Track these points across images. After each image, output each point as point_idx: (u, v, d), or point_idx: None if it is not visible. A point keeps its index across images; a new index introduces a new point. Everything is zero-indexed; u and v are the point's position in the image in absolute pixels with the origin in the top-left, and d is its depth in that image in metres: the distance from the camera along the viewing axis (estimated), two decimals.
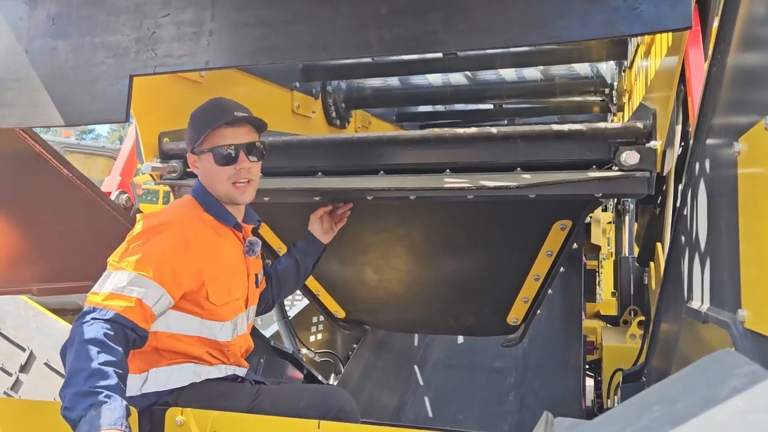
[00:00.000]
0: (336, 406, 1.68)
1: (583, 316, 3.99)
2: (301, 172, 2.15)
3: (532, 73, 3.48)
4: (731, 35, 1.19)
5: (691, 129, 1.61)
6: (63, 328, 2.96)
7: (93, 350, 1.38)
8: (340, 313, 2.75)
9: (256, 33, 1.27)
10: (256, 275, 1.92)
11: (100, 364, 1.36)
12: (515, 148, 1.96)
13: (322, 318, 3.54)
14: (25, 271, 2.06)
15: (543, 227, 2.21)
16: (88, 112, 1.39)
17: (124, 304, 1.49)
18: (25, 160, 2.01)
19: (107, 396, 1.32)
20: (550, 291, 2.38)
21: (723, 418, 0.58)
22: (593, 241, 5.00)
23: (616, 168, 1.83)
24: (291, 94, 3.09)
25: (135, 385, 1.61)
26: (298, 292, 2.73)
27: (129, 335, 1.48)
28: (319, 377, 3.20)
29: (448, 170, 2.01)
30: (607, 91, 3.41)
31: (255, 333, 2.53)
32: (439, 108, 4.47)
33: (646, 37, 2.28)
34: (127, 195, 2.44)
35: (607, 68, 3.38)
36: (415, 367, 3.81)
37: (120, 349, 1.43)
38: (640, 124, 1.84)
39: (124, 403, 1.34)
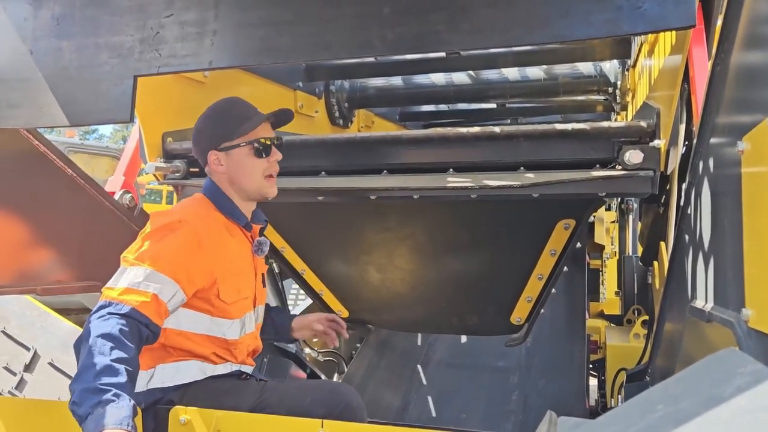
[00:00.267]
0: (343, 402, 1.68)
1: (587, 316, 3.98)
2: (305, 171, 2.16)
3: (535, 72, 3.48)
4: (735, 34, 1.19)
5: (695, 128, 1.61)
6: (67, 327, 2.97)
7: (106, 346, 1.39)
8: (344, 313, 2.75)
9: (259, 33, 1.27)
10: (263, 275, 1.93)
11: (112, 360, 1.37)
12: (518, 148, 1.95)
13: None
14: (29, 271, 2.06)
15: (546, 226, 2.21)
16: (92, 112, 1.39)
17: (140, 299, 1.50)
18: (29, 160, 2.01)
19: (115, 395, 1.32)
20: (553, 290, 2.38)
21: (727, 418, 0.58)
22: (597, 240, 4.98)
23: (620, 167, 1.83)
24: (294, 94, 3.09)
25: (141, 381, 1.62)
26: (300, 291, 2.74)
27: (143, 332, 1.49)
28: (323, 377, 3.21)
29: (451, 170, 2.01)
30: (610, 90, 3.40)
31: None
32: (442, 107, 4.47)
33: (649, 36, 2.28)
34: (130, 195, 2.44)
35: (610, 67, 3.38)
36: (419, 366, 3.81)
37: (133, 346, 1.44)
38: (643, 123, 1.84)
39: (132, 402, 1.34)
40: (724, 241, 1.18)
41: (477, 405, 3.49)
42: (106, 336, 1.40)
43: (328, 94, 3.40)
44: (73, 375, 1.39)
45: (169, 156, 2.25)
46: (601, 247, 5.28)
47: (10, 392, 2.85)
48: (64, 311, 3.16)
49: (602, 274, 5.55)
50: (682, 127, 2.06)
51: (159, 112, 2.26)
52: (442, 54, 3.04)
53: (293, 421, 1.51)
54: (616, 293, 4.97)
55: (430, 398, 3.54)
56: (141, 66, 1.34)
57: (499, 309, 2.49)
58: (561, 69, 3.44)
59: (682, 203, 1.77)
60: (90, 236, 2.25)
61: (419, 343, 3.95)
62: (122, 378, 1.36)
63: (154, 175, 2.27)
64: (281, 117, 1.83)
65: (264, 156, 1.76)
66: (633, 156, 1.80)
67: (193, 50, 1.30)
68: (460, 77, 3.60)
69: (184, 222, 1.64)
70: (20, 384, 2.88)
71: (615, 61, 3.33)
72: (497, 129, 1.96)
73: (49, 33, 1.41)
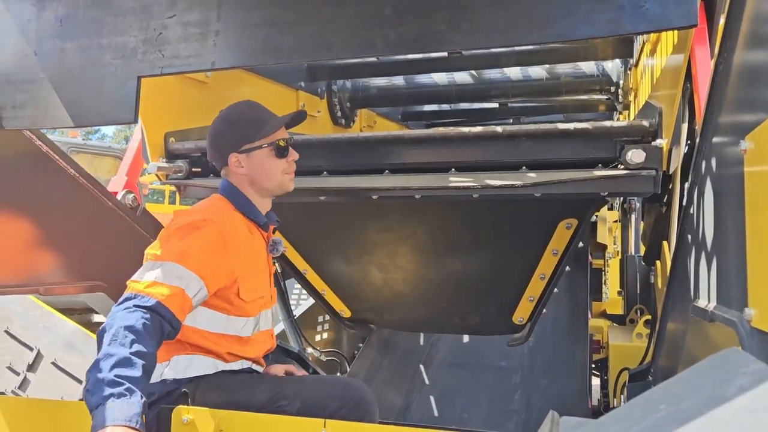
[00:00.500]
0: (356, 396, 1.70)
1: (589, 315, 3.97)
2: (307, 171, 2.16)
3: (538, 71, 3.48)
4: (738, 33, 1.19)
5: (698, 127, 1.60)
6: (70, 327, 2.98)
7: (128, 338, 1.40)
8: (346, 313, 2.75)
9: (261, 33, 1.27)
10: (274, 274, 1.97)
11: (131, 353, 1.38)
12: (520, 147, 1.95)
13: (327, 317, 3.55)
14: (32, 271, 2.07)
15: (548, 226, 2.21)
16: (96, 113, 1.40)
17: (166, 293, 1.51)
18: (32, 161, 2.02)
19: (128, 389, 1.33)
20: (555, 290, 2.38)
21: (729, 417, 0.58)
22: (599, 239, 4.97)
23: (622, 166, 1.83)
24: (296, 94, 3.09)
25: (156, 373, 1.64)
26: (303, 291, 2.74)
27: (165, 328, 1.51)
28: None
29: (453, 169, 2.01)
30: (612, 89, 3.40)
31: None
32: (444, 107, 4.47)
33: (651, 35, 2.28)
34: (133, 195, 2.45)
35: (612, 66, 3.37)
36: (421, 366, 3.81)
37: (154, 342, 1.45)
38: (646, 123, 1.83)
39: (143, 399, 1.35)
40: (726, 241, 1.18)
41: (479, 405, 3.49)
42: (129, 328, 1.41)
43: (330, 93, 3.40)
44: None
45: (171, 156, 2.26)
46: (604, 247, 5.27)
47: (13, 392, 2.86)
48: (67, 311, 3.17)
49: (605, 274, 5.54)
50: (685, 127, 2.05)
51: (161, 113, 2.26)
52: (444, 54, 3.04)
53: (295, 420, 1.51)
54: (619, 293, 4.96)
55: (432, 398, 3.54)
56: (144, 67, 1.34)
57: (501, 309, 2.49)
58: (563, 68, 3.44)
59: (684, 203, 1.77)
60: (93, 236, 2.25)
61: (421, 342, 3.95)
62: (138, 372, 1.37)
63: (157, 175, 2.28)
64: (297, 118, 1.88)
65: (284, 156, 1.82)
66: (635, 155, 1.80)
67: (195, 51, 1.31)
68: (462, 77, 3.60)
69: (209, 221, 1.67)
70: (23, 384, 2.89)
71: (617, 61, 3.33)
72: (499, 128, 1.96)
73: (53, 34, 1.42)
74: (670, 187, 2.39)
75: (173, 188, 2.84)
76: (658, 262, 3.02)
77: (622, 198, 4.94)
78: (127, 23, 1.36)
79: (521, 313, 2.47)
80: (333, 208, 2.28)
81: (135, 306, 1.46)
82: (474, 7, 1.17)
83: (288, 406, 1.63)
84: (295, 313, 3.40)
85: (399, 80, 3.62)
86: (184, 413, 1.52)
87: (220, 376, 1.71)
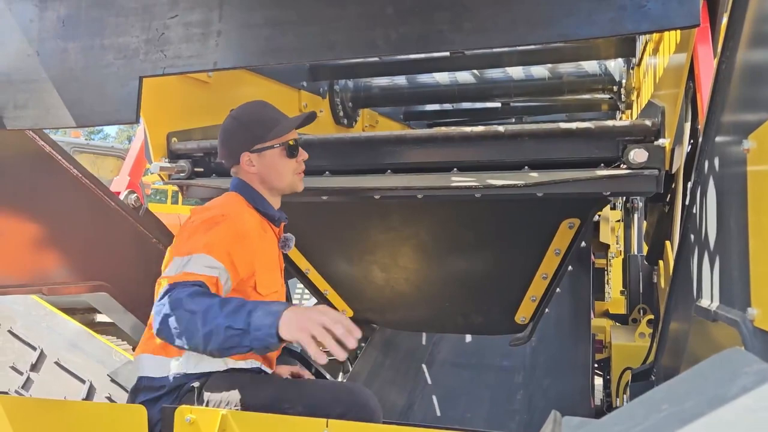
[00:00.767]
0: (360, 402, 1.70)
1: (592, 315, 3.97)
2: (309, 171, 2.16)
3: (540, 71, 3.47)
4: (741, 32, 1.19)
5: (700, 126, 1.60)
6: (73, 327, 2.99)
7: (203, 298, 1.45)
8: (348, 312, 2.75)
9: (263, 33, 1.27)
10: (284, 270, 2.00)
11: (214, 301, 1.44)
12: (523, 147, 1.95)
13: None
14: (35, 271, 2.07)
15: (551, 226, 2.20)
16: (98, 113, 1.40)
17: (201, 280, 1.54)
18: (35, 161, 2.02)
19: (253, 304, 1.40)
20: (558, 289, 2.38)
21: (732, 417, 0.58)
22: (602, 239, 4.97)
23: (625, 166, 1.83)
24: (298, 94, 3.10)
25: (167, 366, 1.68)
26: (305, 290, 2.74)
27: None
28: (327, 376, 3.21)
29: (455, 169, 2.01)
30: (615, 88, 3.39)
31: None
32: (447, 106, 4.47)
33: (654, 34, 2.27)
34: (136, 195, 2.45)
35: (615, 66, 3.37)
36: (423, 365, 3.81)
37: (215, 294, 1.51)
38: (648, 122, 1.83)
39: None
40: (729, 240, 1.18)
41: (482, 404, 3.48)
42: (193, 293, 1.46)
43: (332, 93, 3.40)
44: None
45: (173, 156, 2.26)
46: (606, 246, 5.27)
47: (16, 391, 2.87)
48: (70, 311, 3.18)
49: (607, 273, 5.54)
50: (687, 126, 2.05)
51: (163, 113, 2.27)
52: (447, 53, 3.03)
53: (298, 420, 1.51)
54: (622, 292, 4.95)
55: (434, 397, 3.54)
56: (146, 67, 1.35)
57: (503, 308, 2.49)
58: (565, 68, 3.43)
59: (687, 202, 1.76)
60: (95, 236, 2.26)
61: (424, 342, 3.95)
62: (237, 300, 1.43)
63: (159, 175, 2.28)
64: (308, 120, 1.91)
65: (294, 156, 1.85)
66: (638, 155, 1.80)
67: (197, 51, 1.31)
68: (465, 76, 3.59)
69: (227, 216, 1.70)
70: (27, 383, 2.89)
71: (620, 60, 3.32)
72: (501, 128, 1.96)
73: (55, 34, 1.42)
74: (673, 186, 2.38)
75: (176, 188, 2.85)
76: (660, 262, 3.01)
77: (624, 197, 4.93)
78: (129, 23, 1.36)
79: (524, 313, 2.47)
80: (335, 207, 2.28)
81: (181, 286, 1.50)
82: (476, 6, 1.17)
83: (291, 409, 1.63)
84: None
85: (401, 80, 3.62)
86: (186, 413, 1.52)
87: (228, 373, 1.72)
